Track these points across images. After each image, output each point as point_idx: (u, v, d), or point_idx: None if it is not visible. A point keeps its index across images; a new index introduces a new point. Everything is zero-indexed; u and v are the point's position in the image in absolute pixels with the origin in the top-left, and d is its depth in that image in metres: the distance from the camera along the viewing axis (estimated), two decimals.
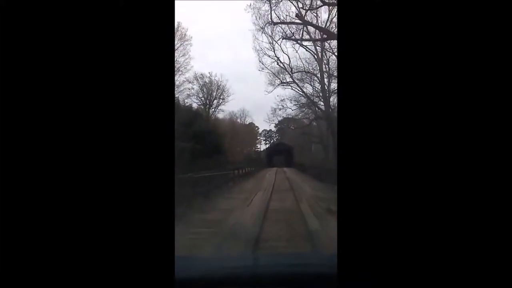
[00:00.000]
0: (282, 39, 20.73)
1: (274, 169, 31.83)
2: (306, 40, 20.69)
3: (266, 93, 24.67)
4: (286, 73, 24.06)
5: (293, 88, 24.76)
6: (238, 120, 43.82)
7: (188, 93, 28.37)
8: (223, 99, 35.36)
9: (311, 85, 24.14)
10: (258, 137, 52.35)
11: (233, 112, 42.18)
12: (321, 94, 23.37)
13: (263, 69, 23.79)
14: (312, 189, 12.65)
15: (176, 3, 1.02)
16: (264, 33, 21.27)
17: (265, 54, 23.24)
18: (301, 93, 24.48)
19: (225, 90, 35.00)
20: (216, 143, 17.80)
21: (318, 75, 23.23)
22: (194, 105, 24.61)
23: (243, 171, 20.82)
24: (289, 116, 27.44)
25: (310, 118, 27.79)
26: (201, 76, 33.03)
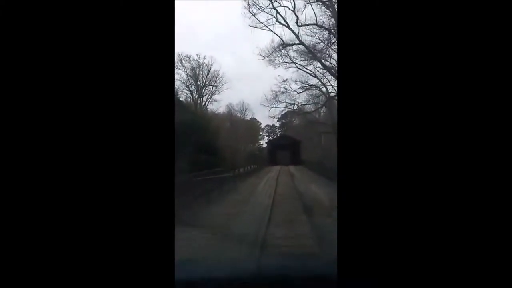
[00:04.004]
0: None
1: (277, 168, 27.90)
2: None
3: (261, 57, 20.59)
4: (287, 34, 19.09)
5: (298, 66, 21.13)
6: (238, 115, 38.82)
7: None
8: (216, 86, 30.58)
9: (321, 61, 19.24)
10: (261, 133, 47.90)
11: (231, 104, 37.54)
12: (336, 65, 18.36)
13: (255, 24, 19.19)
14: None
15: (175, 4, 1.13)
16: None
17: (260, 9, 18.48)
18: (308, 60, 19.96)
19: (218, 75, 30.24)
20: (203, 140, 16.07)
21: (333, 39, 18.14)
22: (182, 96, 19.90)
23: (237, 171, 18.79)
24: (293, 104, 23.37)
25: (320, 102, 23.85)
26: (186, 58, 28.48)
